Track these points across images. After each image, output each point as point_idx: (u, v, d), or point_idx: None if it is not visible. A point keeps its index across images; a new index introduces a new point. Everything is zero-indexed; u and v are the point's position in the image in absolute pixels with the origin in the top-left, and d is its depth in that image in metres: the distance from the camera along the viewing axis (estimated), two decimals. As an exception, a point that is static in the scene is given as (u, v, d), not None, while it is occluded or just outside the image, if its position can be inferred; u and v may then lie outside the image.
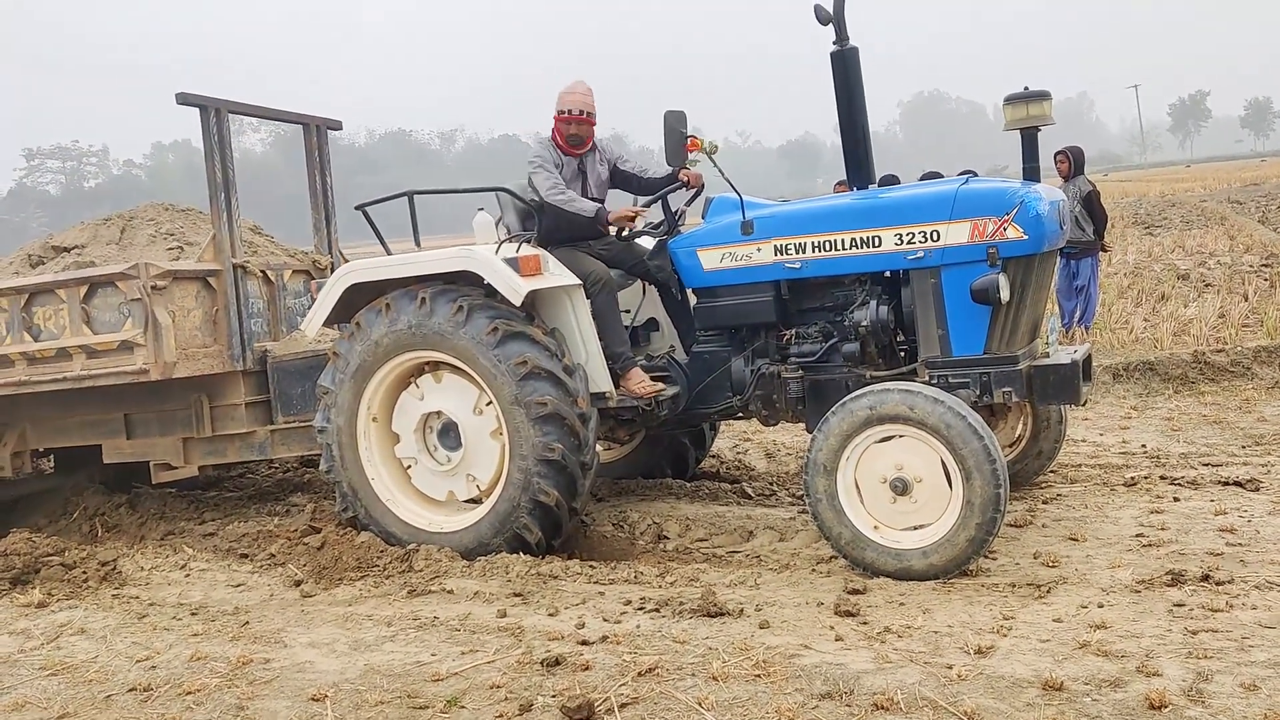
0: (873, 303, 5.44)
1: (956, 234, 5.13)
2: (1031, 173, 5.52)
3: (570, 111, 5.99)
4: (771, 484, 6.93)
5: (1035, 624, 4.17)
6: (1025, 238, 5.02)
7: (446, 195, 6.85)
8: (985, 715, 3.44)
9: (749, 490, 6.69)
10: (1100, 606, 4.31)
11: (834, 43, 5.45)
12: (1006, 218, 5.03)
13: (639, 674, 3.95)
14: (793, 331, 5.73)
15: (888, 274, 5.50)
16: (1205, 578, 4.50)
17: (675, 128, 5.54)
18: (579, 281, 5.78)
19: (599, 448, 6.82)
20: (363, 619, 4.89)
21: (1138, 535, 5.21)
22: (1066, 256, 10.44)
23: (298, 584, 5.55)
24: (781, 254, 5.55)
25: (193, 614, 5.23)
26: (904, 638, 4.13)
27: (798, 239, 5.52)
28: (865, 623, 4.32)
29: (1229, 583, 4.45)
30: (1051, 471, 6.40)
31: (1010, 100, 5.49)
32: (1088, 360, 5.51)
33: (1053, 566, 4.86)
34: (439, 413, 5.81)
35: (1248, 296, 12.28)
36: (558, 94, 6.02)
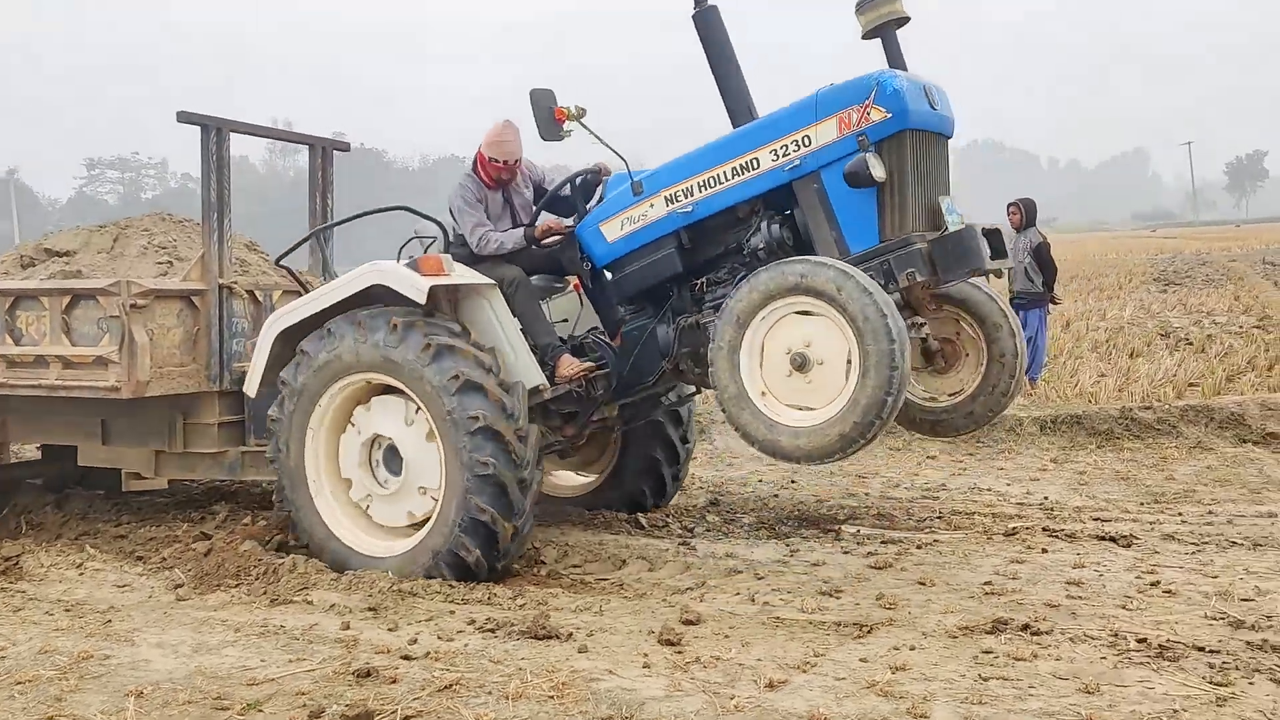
0: (764, 225, 5.52)
1: (825, 133, 5.22)
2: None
3: (503, 162, 6.10)
4: (667, 515, 7.02)
5: (840, 662, 4.25)
6: (889, 115, 5.09)
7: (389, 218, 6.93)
8: (740, 745, 3.53)
9: (643, 521, 6.79)
10: (911, 649, 4.37)
11: (694, 5, 5.63)
12: (867, 103, 5.11)
13: (439, 689, 4.06)
14: (704, 279, 5.78)
15: (778, 196, 5.53)
16: (1025, 627, 4.56)
17: (543, 104, 5.61)
18: (491, 281, 5.86)
19: (580, 477, 7.05)
20: (217, 624, 5.03)
21: (986, 583, 5.27)
22: (1016, 306, 10.49)
23: (177, 587, 5.71)
24: (672, 203, 5.66)
25: (66, 610, 5.39)
26: (708, 668, 4.21)
27: (685, 184, 5.64)
28: (680, 652, 4.41)
29: (1047, 633, 4.51)
30: (937, 517, 6.46)
31: (862, 6, 5.48)
32: (995, 232, 5.50)
33: (889, 609, 4.93)
34: (379, 438, 5.81)
35: (1216, 356, 12.24)
36: (486, 136, 6.12)
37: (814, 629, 4.68)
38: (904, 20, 5.52)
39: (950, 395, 6.03)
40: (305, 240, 6.67)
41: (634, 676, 4.15)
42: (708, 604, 5.08)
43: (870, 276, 5.00)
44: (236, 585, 5.67)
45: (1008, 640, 4.45)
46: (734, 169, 5.50)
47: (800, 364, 4.88)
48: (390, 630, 4.81)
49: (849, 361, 4.76)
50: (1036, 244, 10.28)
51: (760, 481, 8.06)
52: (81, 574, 6.11)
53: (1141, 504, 6.89)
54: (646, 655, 4.37)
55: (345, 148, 8.14)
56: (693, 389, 6.78)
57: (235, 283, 6.95)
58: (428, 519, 5.67)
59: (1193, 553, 5.73)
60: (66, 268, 7.25)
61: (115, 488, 7.87)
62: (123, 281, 6.39)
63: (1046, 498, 7.15)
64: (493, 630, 4.75)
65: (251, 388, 6.21)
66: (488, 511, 5.41)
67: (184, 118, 6.69)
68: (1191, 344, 13.77)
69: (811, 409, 4.88)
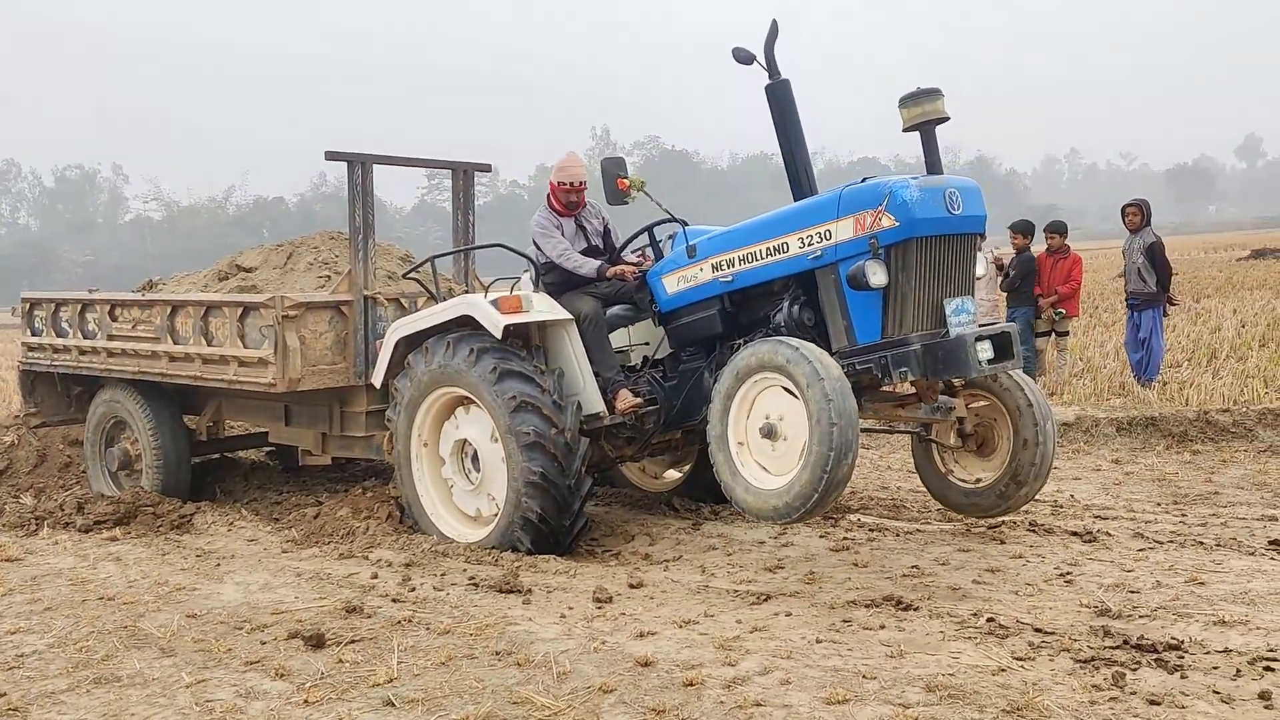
0: (786, 304, 6.18)
1: (844, 230, 5.80)
2: (933, 166, 5.92)
3: (570, 184, 7.20)
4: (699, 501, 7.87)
5: (717, 621, 5.07)
6: (897, 224, 5.59)
7: None
8: (573, 675, 4.44)
9: (676, 505, 7.71)
10: (787, 615, 5.13)
11: (768, 77, 6.32)
12: (880, 208, 5.63)
13: (393, 623, 5.23)
14: (741, 340, 6.45)
15: (805, 279, 6.14)
16: (899, 603, 5.19)
17: (611, 172, 6.62)
18: (569, 316, 6.86)
19: (675, 472, 8.16)
20: (289, 570, 6.44)
21: (914, 567, 5.86)
22: (1131, 308, 10.47)
23: (287, 543, 7.20)
24: (717, 270, 6.45)
25: (198, 556, 6.97)
26: (609, 621, 5.14)
27: (728, 255, 6.39)
28: (601, 608, 5.36)
29: (914, 610, 5.11)
30: (939, 509, 6.99)
31: (904, 102, 5.87)
32: (1004, 335, 5.73)
33: (808, 584, 5.66)
34: (467, 442, 6.93)
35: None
36: (555, 167, 7.30)
37: (726, 596, 5.50)
38: (943, 119, 5.83)
39: (985, 476, 6.34)
40: (423, 264, 8.00)
41: (545, 624, 5.16)
42: (664, 573, 5.98)
43: (868, 370, 5.65)
44: (327, 542, 7.08)
45: (873, 614, 5.10)
46: (768, 249, 6.17)
47: (768, 432, 5.53)
48: (403, 581, 6.01)
49: (804, 444, 5.31)
50: (1149, 244, 10.25)
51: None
52: (229, 530, 7.73)
53: (1157, 504, 7.08)
54: (571, 609, 5.36)
55: (486, 169, 9.35)
56: None
57: (379, 293, 8.34)
58: (497, 513, 6.72)
59: (1141, 549, 6.03)
60: (245, 282, 8.96)
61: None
62: (277, 296, 7.80)
63: (1071, 496, 7.45)
64: (476, 585, 5.86)
65: (377, 379, 7.49)
66: (536, 512, 6.39)
67: (331, 156, 8.02)
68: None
69: (769, 473, 5.55)
